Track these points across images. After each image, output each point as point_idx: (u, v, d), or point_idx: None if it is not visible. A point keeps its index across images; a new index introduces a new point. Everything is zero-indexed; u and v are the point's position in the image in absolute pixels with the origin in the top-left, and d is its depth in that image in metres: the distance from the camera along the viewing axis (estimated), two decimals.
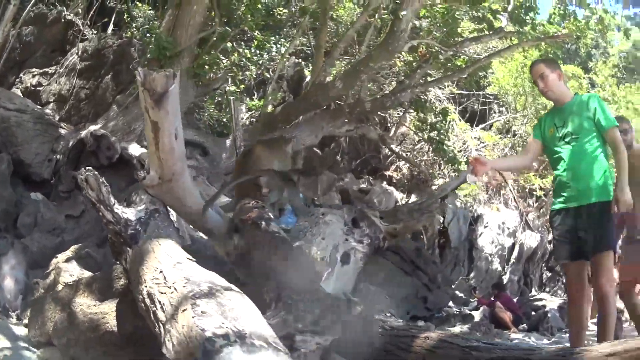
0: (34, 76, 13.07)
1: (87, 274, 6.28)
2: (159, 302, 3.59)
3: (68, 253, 6.89)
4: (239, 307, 3.25)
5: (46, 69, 13.23)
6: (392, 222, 7.31)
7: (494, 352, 3.84)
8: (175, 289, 3.56)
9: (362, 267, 6.83)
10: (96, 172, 4.96)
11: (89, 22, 14.95)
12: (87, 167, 5.01)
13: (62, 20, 13.87)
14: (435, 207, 7.53)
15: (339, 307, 4.37)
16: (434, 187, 17.67)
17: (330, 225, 6.56)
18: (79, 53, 12.66)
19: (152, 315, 3.58)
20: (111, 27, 15.85)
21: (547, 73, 5.67)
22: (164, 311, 3.46)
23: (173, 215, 5.75)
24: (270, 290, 4.40)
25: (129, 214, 5.03)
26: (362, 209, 7.48)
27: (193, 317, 2.96)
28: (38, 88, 12.76)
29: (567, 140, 5.53)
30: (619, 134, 5.53)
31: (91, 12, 15.25)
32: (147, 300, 3.77)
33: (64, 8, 14.32)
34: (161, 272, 3.93)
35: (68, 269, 6.45)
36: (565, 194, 5.50)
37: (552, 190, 5.87)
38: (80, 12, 15.11)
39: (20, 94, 11.65)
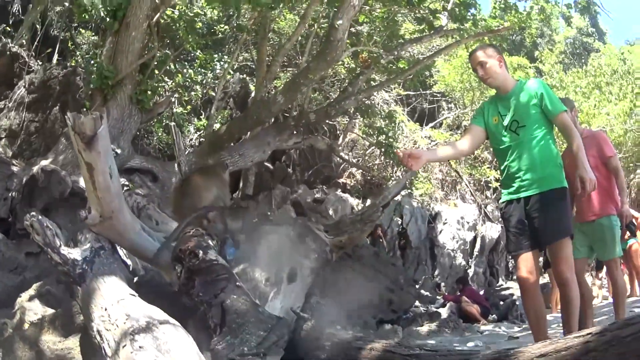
0: None
1: (50, 311, 6.32)
2: (105, 338, 3.86)
3: (31, 291, 6.90)
4: (172, 340, 3.49)
5: None
6: (336, 234, 7.31)
7: (435, 358, 3.90)
8: (117, 325, 3.83)
9: (310, 282, 6.84)
10: (40, 217, 5.11)
11: (34, 53, 14.82)
12: (31, 213, 5.16)
13: (7, 52, 13.71)
14: (377, 216, 7.53)
15: (283, 326, 4.41)
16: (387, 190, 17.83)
17: (274, 243, 6.59)
18: (26, 86, 12.56)
19: (102, 351, 3.85)
20: (56, 56, 15.76)
21: (485, 59, 5.51)
22: (109, 347, 3.75)
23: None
24: (214, 315, 4.46)
25: (74, 254, 5.10)
26: (305, 224, 7.48)
27: (131, 352, 3.33)
28: None
29: (513, 129, 5.40)
30: (568, 117, 5.44)
31: (35, 43, 15.12)
32: (97, 337, 4.03)
33: (9, 40, 14.16)
34: (106, 309, 4.14)
35: (32, 308, 6.48)
36: (515, 184, 5.41)
37: (501, 180, 5.70)
38: (25, 43, 15.00)
39: None
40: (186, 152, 9.89)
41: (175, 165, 11.64)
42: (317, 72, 11.21)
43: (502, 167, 5.59)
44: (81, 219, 5.25)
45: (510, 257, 19.94)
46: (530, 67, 23.37)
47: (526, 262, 5.38)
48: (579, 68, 26.09)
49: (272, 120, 12.40)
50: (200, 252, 4.88)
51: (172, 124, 10.47)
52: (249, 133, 12.35)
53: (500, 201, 5.73)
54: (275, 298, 5.97)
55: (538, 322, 5.37)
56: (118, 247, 5.63)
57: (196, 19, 13.15)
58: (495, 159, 17.95)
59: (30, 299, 6.75)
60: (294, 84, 11.32)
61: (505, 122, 5.46)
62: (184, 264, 4.96)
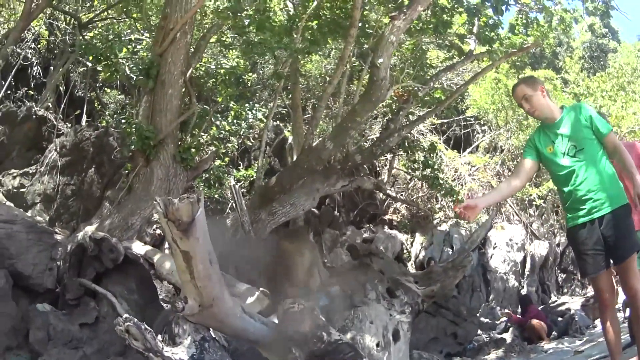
0: (14, 177, 12.80)
1: None
2: None
3: None
4: None
5: (26, 169, 12.97)
6: (428, 284, 7.12)
7: None
8: None
9: (410, 336, 6.65)
10: (135, 321, 4.64)
11: (61, 116, 14.75)
12: (125, 317, 4.68)
13: (34, 116, 13.63)
14: (468, 261, 7.34)
15: None
16: (435, 222, 17.64)
17: (371, 305, 6.37)
18: (58, 149, 12.45)
19: None
20: (85, 117, 15.70)
21: (529, 93, 5.58)
22: None
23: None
24: None
25: (180, 354, 4.72)
26: (394, 278, 7.28)
27: None
28: (21, 190, 12.49)
29: (571, 154, 5.40)
30: (615, 137, 5.51)
31: (61, 105, 15.06)
32: None
33: (33, 103, 14.09)
34: None
35: None
36: (586, 207, 5.34)
37: (565, 206, 5.57)
38: (51, 105, 14.95)
39: (3, 197, 11.37)
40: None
41: (229, 220, 11.51)
42: (364, 114, 11.07)
43: (565, 193, 5.52)
44: (177, 310, 4.84)
45: (559, 270, 19.80)
46: (556, 79, 23.26)
47: (606, 282, 5.38)
48: (601, 72, 26.00)
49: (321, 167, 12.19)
50: (324, 334, 4.63)
51: (232, 183, 10.29)
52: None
53: (569, 226, 5.57)
54: None
55: (617, 341, 5.35)
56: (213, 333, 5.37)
57: (233, 69, 13.03)
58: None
59: None
60: (341, 128, 11.15)
61: (563, 149, 5.47)
62: (305, 348, 4.69)
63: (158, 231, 10.61)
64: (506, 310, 15.73)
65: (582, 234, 5.41)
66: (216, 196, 14.79)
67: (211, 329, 5.12)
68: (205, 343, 4.74)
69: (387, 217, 18.13)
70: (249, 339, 5.25)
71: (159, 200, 4.24)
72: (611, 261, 5.35)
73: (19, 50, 15.42)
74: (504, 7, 12.13)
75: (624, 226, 5.27)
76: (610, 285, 5.39)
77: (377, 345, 5.79)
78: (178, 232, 4.24)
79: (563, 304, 16.16)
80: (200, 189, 15.12)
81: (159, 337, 4.76)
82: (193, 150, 11.11)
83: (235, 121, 14.16)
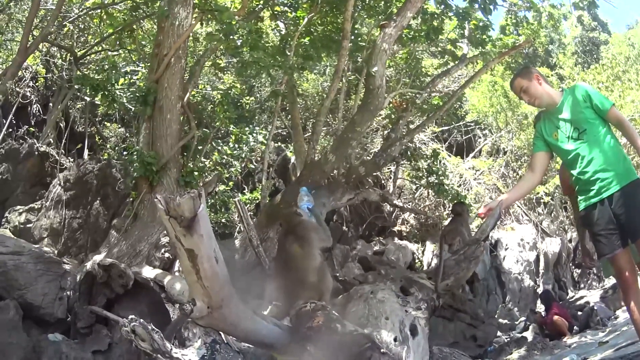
0: (20, 214, 12.77)
1: None
2: None
3: None
4: None
5: (32, 205, 12.94)
6: (442, 279, 7.10)
7: None
8: None
9: (428, 332, 6.61)
10: (142, 321, 4.53)
11: (63, 151, 14.81)
12: (131, 317, 4.53)
13: (36, 152, 13.68)
14: (480, 251, 7.30)
15: None
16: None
17: (386, 302, 6.31)
18: (62, 183, 12.43)
19: None
20: (86, 151, 15.76)
21: (526, 84, 5.67)
22: None
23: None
24: None
25: (189, 355, 4.59)
26: (407, 275, 7.26)
27: None
28: (27, 225, 12.44)
29: (575, 136, 5.45)
30: (618, 111, 5.50)
31: (63, 140, 15.12)
32: None
33: (35, 140, 14.14)
34: None
35: None
36: (595, 187, 5.36)
37: (577, 190, 5.59)
38: (52, 141, 15.01)
39: (11, 235, 11.37)
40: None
41: (237, 240, 11.49)
42: (364, 124, 11.10)
43: (575, 176, 5.56)
44: (185, 314, 4.79)
45: (573, 265, 19.68)
46: (552, 75, 23.34)
47: (625, 261, 5.34)
48: (595, 64, 26.07)
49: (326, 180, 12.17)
50: (338, 325, 4.58)
51: (237, 199, 10.27)
52: None
53: (581, 208, 5.59)
54: (408, 356, 5.70)
55: None
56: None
57: (229, 91, 13.09)
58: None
59: None
60: (342, 140, 11.15)
61: (567, 133, 5.51)
62: (319, 342, 4.58)
63: (167, 255, 10.60)
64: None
65: (594, 215, 5.42)
66: (223, 220, 14.80)
67: (222, 334, 5.05)
68: (217, 345, 4.66)
69: (396, 228, 18.10)
70: (262, 342, 5.15)
71: (159, 198, 4.08)
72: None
73: (17, 89, 15.54)
74: (492, 6, 12.19)
75: (635, 202, 5.24)
76: (630, 264, 5.35)
77: (395, 340, 5.74)
78: (181, 229, 4.09)
79: (581, 298, 16.01)
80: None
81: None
82: (196, 173, 11.12)
83: (236, 145, 14.19)
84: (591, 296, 14.80)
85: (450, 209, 17.32)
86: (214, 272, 4.46)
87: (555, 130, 5.59)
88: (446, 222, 17.44)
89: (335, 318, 4.75)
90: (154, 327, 4.52)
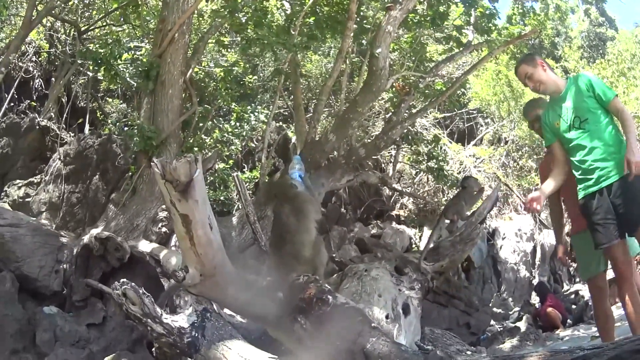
0: (19, 188, 12.80)
1: None
2: None
3: None
4: None
5: (31, 179, 12.99)
6: (436, 260, 7.11)
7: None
8: None
9: (421, 312, 6.63)
10: (133, 284, 4.53)
11: (64, 126, 14.76)
12: (122, 280, 4.57)
13: (37, 127, 13.64)
14: (476, 233, 7.31)
15: None
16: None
17: (379, 280, 6.32)
18: (62, 158, 12.40)
19: None
20: (87, 126, 15.72)
21: (530, 71, 5.66)
22: None
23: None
24: None
25: (180, 321, 4.52)
26: (402, 255, 7.28)
27: None
28: (26, 199, 12.46)
29: (577, 125, 5.45)
30: (620, 102, 5.50)
31: (64, 115, 15.08)
32: None
33: (36, 115, 14.10)
34: None
35: None
36: (594, 176, 5.37)
37: (577, 179, 5.57)
38: (54, 116, 14.97)
39: (10, 208, 11.35)
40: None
41: (234, 218, 11.47)
42: (365, 105, 11.06)
43: (575, 165, 5.55)
44: (177, 280, 4.69)
45: (570, 259, 19.68)
46: (557, 68, 23.27)
47: (621, 252, 5.37)
48: (601, 59, 26.02)
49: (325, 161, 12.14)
50: (329, 297, 4.55)
51: (235, 173, 10.21)
52: None
53: (581, 197, 5.56)
54: (399, 334, 5.72)
55: (638, 315, 5.27)
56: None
57: (232, 69, 13.04)
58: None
59: None
60: (343, 120, 11.12)
61: (568, 121, 5.50)
62: (310, 314, 4.61)
63: (164, 229, 10.59)
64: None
65: (592, 204, 5.42)
66: (222, 198, 14.79)
67: (214, 304, 5.03)
68: (208, 313, 4.61)
69: (394, 212, 18.08)
70: (255, 313, 5.16)
71: (156, 162, 4.15)
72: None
73: (20, 63, 15.50)
74: None
75: (634, 193, 5.22)
76: (626, 255, 5.38)
77: (387, 317, 5.76)
78: (176, 193, 4.15)
79: (576, 291, 16.04)
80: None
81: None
82: (196, 149, 11.11)
83: (237, 123, 14.16)
84: (586, 290, 14.82)
85: (448, 194, 17.38)
86: (208, 239, 4.47)
87: (558, 119, 5.60)
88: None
89: (327, 290, 4.73)
90: (144, 292, 4.52)
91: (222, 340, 4.40)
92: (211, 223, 4.46)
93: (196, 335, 4.46)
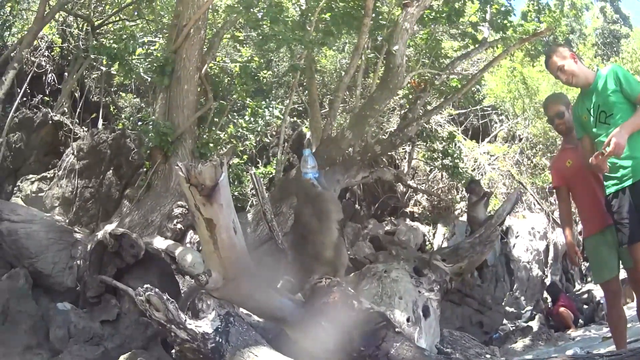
0: (32, 182, 12.69)
1: None
2: None
3: None
4: None
5: (44, 174, 12.85)
6: (455, 261, 7.05)
7: None
8: None
9: (439, 314, 6.58)
10: (157, 290, 4.47)
11: (77, 120, 14.71)
12: (146, 286, 4.49)
13: (50, 121, 13.56)
14: (495, 235, 7.25)
15: None
16: (456, 212, 17.55)
17: (400, 281, 6.28)
18: (75, 153, 12.30)
19: None
20: (101, 121, 15.68)
21: (562, 63, 5.52)
22: None
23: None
24: None
25: (203, 326, 4.47)
26: (421, 257, 7.22)
27: None
28: (39, 194, 12.34)
29: (602, 120, 5.32)
30: None
31: (77, 110, 15.04)
32: None
33: (49, 109, 14.06)
34: None
35: None
36: (617, 175, 5.25)
37: (603, 175, 5.42)
38: (67, 111, 14.93)
39: (23, 203, 11.32)
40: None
41: (250, 214, 11.43)
42: (382, 102, 11.01)
43: None
44: (200, 284, 4.60)
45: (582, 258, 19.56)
46: None
47: None
48: (615, 57, 25.92)
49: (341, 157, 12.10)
50: (354, 302, 4.52)
51: (252, 171, 10.19)
52: None
53: (606, 195, 5.46)
54: (420, 337, 5.66)
55: None
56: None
57: (248, 64, 12.99)
58: None
59: None
60: (360, 117, 11.08)
61: (595, 116, 5.37)
62: (336, 319, 4.50)
63: (179, 225, 10.52)
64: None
65: (615, 203, 5.31)
66: (236, 193, 14.75)
67: (236, 307, 4.98)
68: (230, 317, 4.56)
69: (408, 209, 18.04)
70: (276, 316, 5.08)
71: (180, 165, 4.10)
72: None
73: (33, 58, 15.45)
74: None
75: None
76: None
77: (408, 320, 5.71)
78: (201, 197, 4.10)
79: (588, 291, 15.95)
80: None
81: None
82: (211, 145, 11.07)
83: (252, 119, 14.12)
84: (598, 290, 14.71)
85: (462, 192, 17.32)
86: (232, 243, 4.41)
87: (586, 113, 5.49)
88: (458, 206, 17.50)
89: (352, 295, 4.69)
90: (169, 297, 4.46)
91: (247, 346, 4.34)
92: (235, 227, 4.39)
93: (220, 340, 4.41)
